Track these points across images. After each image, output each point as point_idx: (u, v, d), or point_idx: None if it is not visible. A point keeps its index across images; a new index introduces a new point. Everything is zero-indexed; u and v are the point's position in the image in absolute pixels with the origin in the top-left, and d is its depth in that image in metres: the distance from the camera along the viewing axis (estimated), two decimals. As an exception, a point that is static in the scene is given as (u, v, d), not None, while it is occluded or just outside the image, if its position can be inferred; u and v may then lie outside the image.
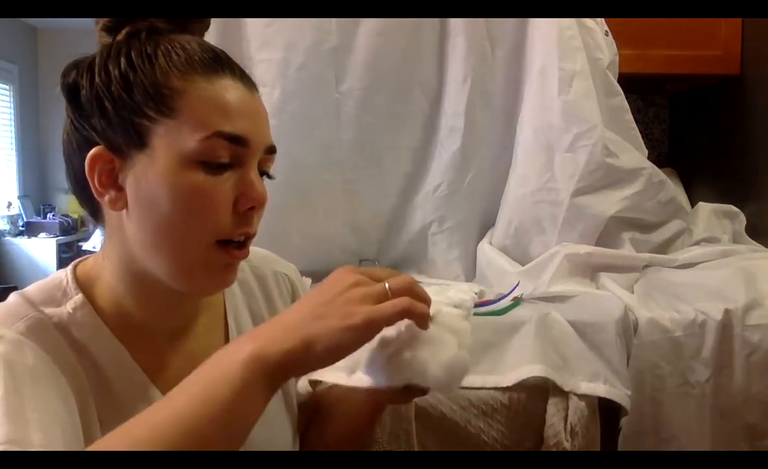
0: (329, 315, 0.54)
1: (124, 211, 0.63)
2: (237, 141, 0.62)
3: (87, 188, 0.64)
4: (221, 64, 0.64)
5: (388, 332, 0.60)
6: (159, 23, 0.65)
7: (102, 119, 0.62)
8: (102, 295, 0.67)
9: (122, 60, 0.62)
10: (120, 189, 0.63)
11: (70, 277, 0.67)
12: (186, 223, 0.62)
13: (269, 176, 0.69)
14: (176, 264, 0.64)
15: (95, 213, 0.68)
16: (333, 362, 0.55)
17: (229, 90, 0.63)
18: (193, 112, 0.61)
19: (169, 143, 0.61)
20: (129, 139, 0.62)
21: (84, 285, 0.67)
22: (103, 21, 0.66)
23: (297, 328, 0.54)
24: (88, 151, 0.62)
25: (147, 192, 0.62)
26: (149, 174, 0.61)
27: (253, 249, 0.81)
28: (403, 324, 0.60)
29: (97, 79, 0.62)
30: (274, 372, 0.53)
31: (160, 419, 0.51)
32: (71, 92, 0.64)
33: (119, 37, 0.65)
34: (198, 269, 0.64)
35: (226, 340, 0.76)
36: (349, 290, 0.56)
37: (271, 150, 0.67)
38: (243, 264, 0.79)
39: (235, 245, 0.65)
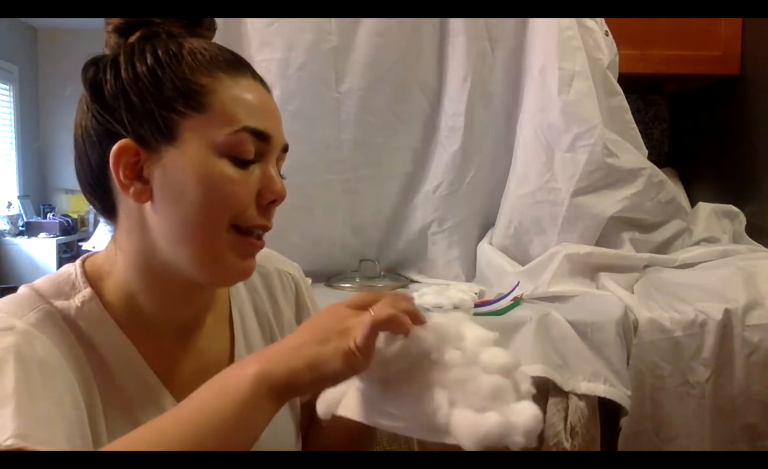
0: (331, 339, 0.56)
1: (149, 203, 0.64)
2: (261, 137, 0.65)
3: (102, 182, 0.66)
4: (242, 65, 0.68)
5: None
6: (174, 27, 0.67)
7: (128, 113, 0.63)
8: (111, 290, 0.68)
9: (149, 57, 0.64)
10: (146, 182, 0.64)
11: (78, 271, 0.68)
12: (214, 212, 0.64)
13: (281, 176, 0.70)
14: (203, 252, 0.65)
15: (109, 208, 0.68)
16: (337, 383, 0.59)
17: (251, 89, 0.66)
18: (222, 108, 0.64)
19: (199, 136, 0.63)
20: (158, 132, 0.63)
21: (93, 279, 0.68)
22: (114, 23, 0.67)
23: (301, 350, 0.56)
24: (109, 145, 0.63)
25: (176, 183, 0.63)
26: (179, 166, 0.63)
27: None
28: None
29: (123, 74, 0.64)
30: (280, 390, 0.56)
31: (166, 430, 0.53)
32: (93, 87, 0.65)
33: (132, 39, 0.66)
34: (226, 256, 0.65)
35: (231, 337, 0.77)
36: (344, 317, 0.58)
37: (286, 149, 0.70)
38: None
39: (253, 237, 0.67)
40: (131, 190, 0.64)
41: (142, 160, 0.63)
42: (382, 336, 0.61)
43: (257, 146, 0.65)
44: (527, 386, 0.59)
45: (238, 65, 0.67)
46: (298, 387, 0.56)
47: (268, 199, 0.66)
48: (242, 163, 0.64)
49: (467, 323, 0.63)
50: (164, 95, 0.63)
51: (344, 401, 0.64)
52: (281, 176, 0.70)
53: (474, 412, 0.56)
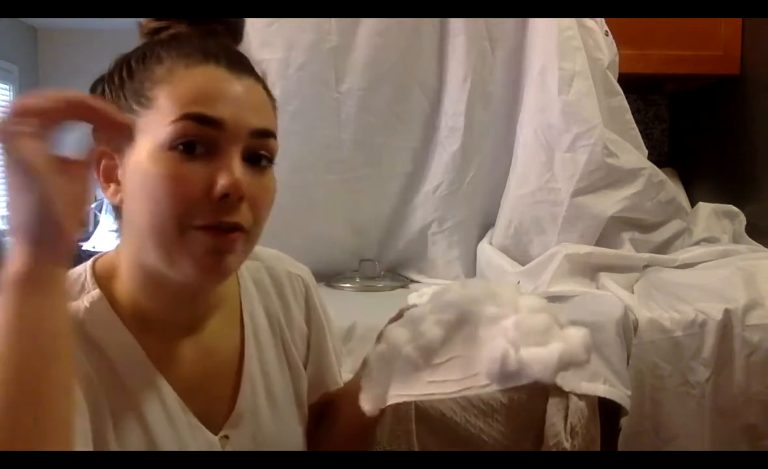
0: (15, 196, 0.53)
1: (124, 205, 0.65)
2: (209, 123, 0.61)
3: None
4: (208, 55, 0.64)
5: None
6: (182, 28, 0.69)
7: None
8: (119, 290, 0.68)
9: (124, 67, 0.66)
10: (118, 183, 0.65)
11: (88, 272, 0.68)
12: (158, 210, 0.61)
13: (270, 162, 0.67)
14: (160, 252, 0.63)
15: (115, 211, 0.70)
16: (62, 221, 0.53)
17: (207, 76, 0.63)
18: (165, 99, 0.62)
19: (146, 134, 0.62)
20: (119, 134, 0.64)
21: (102, 280, 0.68)
22: (146, 27, 0.69)
23: (19, 230, 0.53)
24: None
25: (131, 183, 0.64)
26: (132, 165, 0.63)
27: (267, 250, 0.82)
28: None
29: (106, 89, 0.67)
30: (38, 275, 0.53)
31: None
32: None
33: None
34: (178, 256, 0.62)
35: (242, 338, 0.76)
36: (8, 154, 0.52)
37: (261, 134, 0.65)
38: (258, 265, 0.80)
39: (215, 231, 0.62)
40: (108, 192, 0.66)
41: (117, 163, 0.65)
42: (410, 316, 0.66)
43: (207, 134, 0.61)
44: (563, 317, 0.65)
45: (201, 55, 0.64)
46: (43, 263, 0.53)
47: (218, 194, 0.61)
48: (188, 153, 0.61)
49: (492, 285, 0.68)
50: (126, 99, 0.65)
51: (391, 391, 0.66)
52: (264, 165, 0.66)
53: (539, 348, 0.61)
